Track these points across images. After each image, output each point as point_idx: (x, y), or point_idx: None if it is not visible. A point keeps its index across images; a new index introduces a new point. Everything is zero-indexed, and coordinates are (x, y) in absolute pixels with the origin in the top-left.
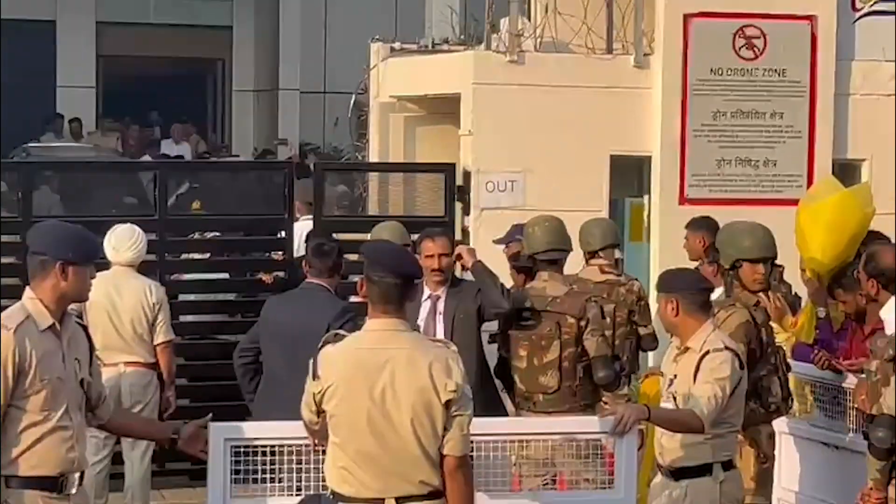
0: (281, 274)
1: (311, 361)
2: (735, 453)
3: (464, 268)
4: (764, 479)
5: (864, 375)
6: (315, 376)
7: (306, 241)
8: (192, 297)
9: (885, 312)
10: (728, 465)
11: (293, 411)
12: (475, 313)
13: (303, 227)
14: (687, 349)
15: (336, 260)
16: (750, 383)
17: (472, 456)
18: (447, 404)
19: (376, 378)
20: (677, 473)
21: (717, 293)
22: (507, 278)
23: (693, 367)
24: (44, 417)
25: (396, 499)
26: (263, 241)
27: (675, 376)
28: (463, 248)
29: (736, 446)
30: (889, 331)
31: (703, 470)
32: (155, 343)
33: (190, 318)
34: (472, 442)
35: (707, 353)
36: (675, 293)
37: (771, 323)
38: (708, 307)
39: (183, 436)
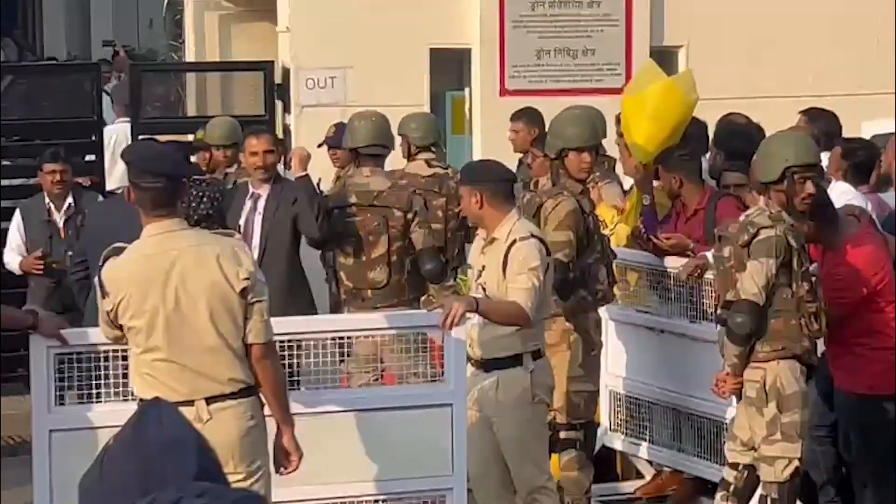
0: (96, 177)
1: (97, 280)
2: (543, 342)
3: (288, 166)
4: (592, 366)
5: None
6: (104, 294)
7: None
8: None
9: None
10: (537, 355)
11: None
12: (290, 221)
13: (118, 129)
14: (493, 240)
15: None
16: (578, 271)
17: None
18: (242, 293)
19: (166, 281)
20: (488, 365)
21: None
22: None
23: (501, 257)
24: None
25: (206, 399)
26: (75, 145)
27: (484, 267)
28: (297, 154)
29: (544, 336)
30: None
31: (513, 360)
32: None
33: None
34: (299, 341)
35: (514, 242)
36: (479, 185)
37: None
38: (512, 197)
39: (42, 321)
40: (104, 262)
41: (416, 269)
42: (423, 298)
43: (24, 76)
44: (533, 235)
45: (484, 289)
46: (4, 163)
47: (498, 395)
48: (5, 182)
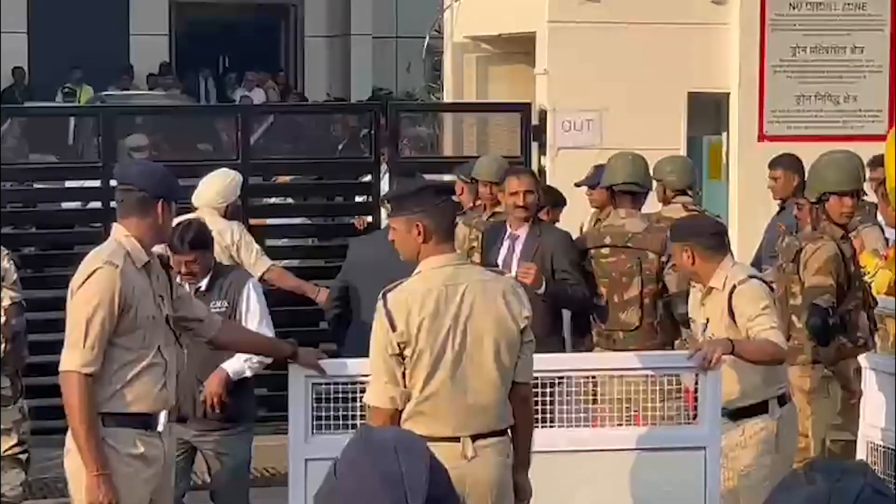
0: (369, 218)
1: (383, 311)
2: (787, 385)
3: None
4: (851, 415)
5: None
6: (393, 327)
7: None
8: (278, 242)
9: None
10: (783, 400)
11: None
12: (549, 266)
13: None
14: (711, 290)
15: None
16: (838, 317)
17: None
18: (523, 331)
19: (456, 314)
20: (735, 414)
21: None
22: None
23: (724, 305)
24: (139, 356)
25: (472, 436)
26: (350, 185)
27: (707, 320)
28: (531, 277)
29: (786, 378)
30: None
31: (759, 408)
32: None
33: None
34: (556, 379)
35: (734, 287)
36: (688, 241)
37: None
38: (723, 247)
39: (301, 352)
40: (384, 295)
41: (670, 313)
42: (676, 343)
43: (299, 117)
44: (752, 277)
45: None
46: (276, 201)
47: (743, 441)
48: (275, 222)
